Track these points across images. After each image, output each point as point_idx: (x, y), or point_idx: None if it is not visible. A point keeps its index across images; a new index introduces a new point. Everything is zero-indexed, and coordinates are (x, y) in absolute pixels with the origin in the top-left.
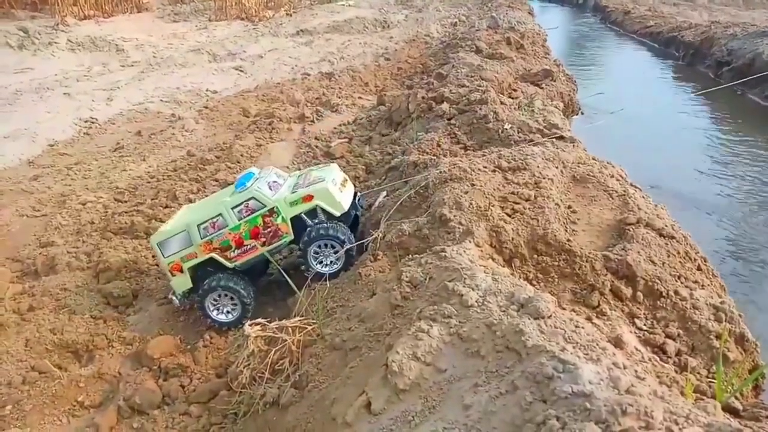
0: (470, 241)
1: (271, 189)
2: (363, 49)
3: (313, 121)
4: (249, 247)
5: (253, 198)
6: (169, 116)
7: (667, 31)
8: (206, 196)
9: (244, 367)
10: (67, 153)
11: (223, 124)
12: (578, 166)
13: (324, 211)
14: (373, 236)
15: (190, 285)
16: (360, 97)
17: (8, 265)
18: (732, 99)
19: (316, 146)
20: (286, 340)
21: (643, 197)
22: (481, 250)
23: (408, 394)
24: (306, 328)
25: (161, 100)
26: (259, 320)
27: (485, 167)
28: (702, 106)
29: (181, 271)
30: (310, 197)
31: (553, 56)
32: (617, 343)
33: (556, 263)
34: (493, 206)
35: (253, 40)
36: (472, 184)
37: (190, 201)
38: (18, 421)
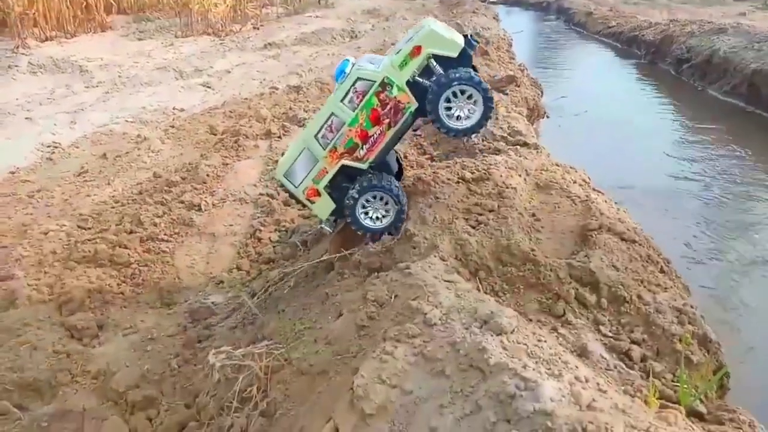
0: (435, 256)
1: (373, 64)
2: (331, 60)
3: (279, 137)
4: (376, 135)
5: (358, 78)
6: (135, 137)
7: (629, 30)
8: (171, 219)
9: (210, 397)
10: (29, 180)
11: (190, 143)
12: (541, 173)
13: (438, 60)
14: (341, 254)
15: (333, 204)
16: None
17: None
18: (693, 95)
19: None
20: (252, 367)
21: (606, 201)
22: (447, 264)
23: (375, 418)
24: (273, 353)
25: (127, 121)
26: (224, 348)
27: (449, 179)
28: (664, 103)
29: (318, 194)
30: (418, 48)
31: (517, 61)
32: (582, 352)
33: (521, 273)
34: (457, 219)
35: (220, 55)
36: (436, 197)
37: (155, 225)
38: None
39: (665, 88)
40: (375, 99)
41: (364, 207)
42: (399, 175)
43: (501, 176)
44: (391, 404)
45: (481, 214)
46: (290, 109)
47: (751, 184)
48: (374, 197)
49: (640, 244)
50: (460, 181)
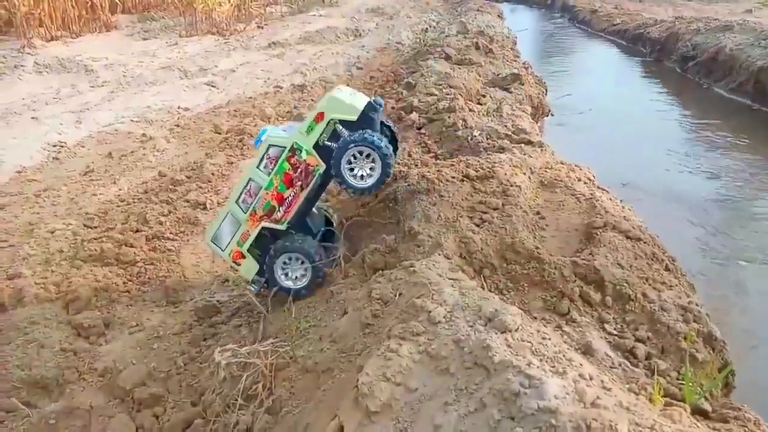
0: (439, 254)
1: (285, 132)
2: (335, 59)
3: None
4: (290, 197)
5: (270, 146)
6: (140, 136)
7: (634, 28)
8: (177, 217)
9: (216, 395)
10: (35, 179)
11: (195, 142)
12: (546, 171)
13: (345, 123)
14: (342, 252)
15: (257, 266)
16: None
17: None
18: (698, 93)
19: None
20: (258, 365)
21: (611, 199)
22: (451, 262)
23: (380, 416)
24: (278, 350)
25: (132, 120)
26: (230, 346)
27: (453, 177)
28: (669, 101)
29: (243, 256)
30: (320, 115)
31: (522, 59)
32: (587, 350)
33: (526, 271)
34: (461, 217)
35: (224, 54)
36: (440, 196)
37: (161, 223)
38: None
39: (670, 85)
40: (287, 163)
41: (283, 269)
42: (332, 234)
43: (505, 174)
44: (395, 402)
45: (485, 213)
46: (294, 107)
47: (758, 182)
48: (290, 258)
49: (645, 242)
50: (465, 179)
